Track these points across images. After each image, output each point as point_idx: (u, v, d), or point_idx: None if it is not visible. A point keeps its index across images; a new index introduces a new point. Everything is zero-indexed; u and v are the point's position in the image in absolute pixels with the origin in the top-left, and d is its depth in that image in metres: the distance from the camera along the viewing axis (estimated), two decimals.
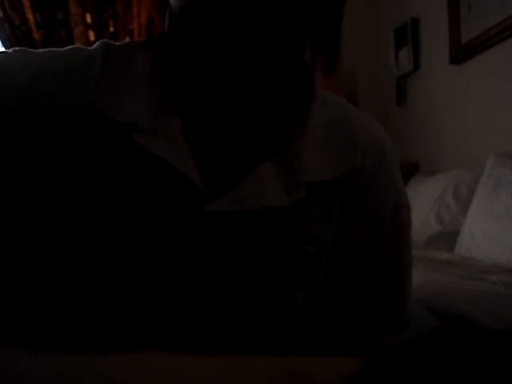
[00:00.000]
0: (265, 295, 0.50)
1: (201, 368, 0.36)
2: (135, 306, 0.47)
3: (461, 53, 2.42)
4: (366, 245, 0.55)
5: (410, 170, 2.74)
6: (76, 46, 0.54)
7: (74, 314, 0.46)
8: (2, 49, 2.90)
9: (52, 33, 3.07)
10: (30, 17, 3.02)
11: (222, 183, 0.50)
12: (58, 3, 3.06)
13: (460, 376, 0.30)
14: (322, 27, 0.53)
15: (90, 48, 0.53)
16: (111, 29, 3.23)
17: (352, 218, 0.55)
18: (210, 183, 0.49)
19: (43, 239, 0.46)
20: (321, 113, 0.55)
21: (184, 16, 0.48)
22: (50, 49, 0.53)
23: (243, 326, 0.49)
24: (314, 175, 0.52)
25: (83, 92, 0.49)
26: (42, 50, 0.52)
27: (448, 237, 2.06)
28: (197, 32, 0.48)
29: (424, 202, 2.27)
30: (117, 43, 0.54)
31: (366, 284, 0.55)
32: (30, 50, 0.52)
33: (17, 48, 0.52)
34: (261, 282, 0.50)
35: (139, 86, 0.50)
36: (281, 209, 0.51)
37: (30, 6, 2.99)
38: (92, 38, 3.18)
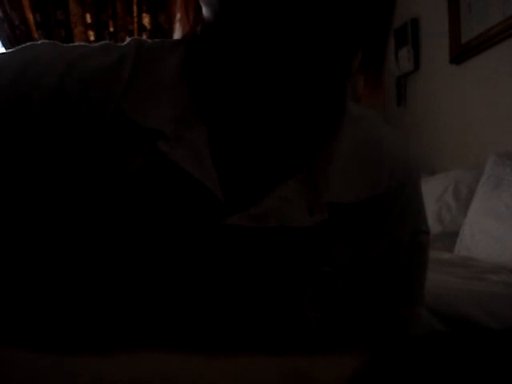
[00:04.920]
0: (277, 312, 0.49)
1: (201, 368, 0.36)
2: (143, 310, 0.46)
3: (461, 53, 2.42)
4: (383, 265, 0.54)
5: None
6: (107, 42, 0.51)
7: (76, 314, 0.46)
8: (2, 49, 2.90)
9: (52, 33, 3.07)
10: (30, 16, 3.02)
11: (245, 197, 0.48)
12: (58, 3, 3.06)
13: (460, 376, 0.30)
14: (370, 42, 0.50)
15: (121, 45, 0.50)
16: (111, 29, 3.23)
17: (372, 239, 0.54)
18: (232, 196, 0.48)
19: (52, 240, 0.46)
20: (350, 130, 0.53)
21: (218, 25, 0.46)
22: (81, 44, 0.50)
23: (252, 336, 0.49)
24: (338, 197, 0.50)
25: (112, 94, 0.47)
26: (71, 45, 0.50)
27: (448, 237, 2.06)
28: (231, 41, 0.46)
29: (424, 202, 2.26)
30: (149, 41, 0.52)
31: (378, 302, 0.55)
32: (59, 44, 0.50)
33: (45, 41, 0.50)
34: (274, 299, 0.49)
35: (166, 91, 0.48)
36: (302, 229, 0.49)
37: (30, 6, 2.99)
38: (92, 37, 3.18)
